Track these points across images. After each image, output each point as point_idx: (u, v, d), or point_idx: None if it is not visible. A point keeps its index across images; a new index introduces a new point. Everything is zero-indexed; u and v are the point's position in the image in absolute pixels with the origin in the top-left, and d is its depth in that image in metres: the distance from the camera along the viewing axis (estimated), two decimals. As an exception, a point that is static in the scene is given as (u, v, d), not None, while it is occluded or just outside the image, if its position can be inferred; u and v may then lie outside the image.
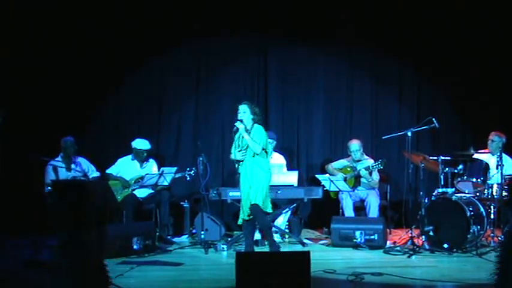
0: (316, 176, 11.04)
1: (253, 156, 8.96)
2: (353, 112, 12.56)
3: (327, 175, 11.02)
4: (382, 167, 10.66)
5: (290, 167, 11.62)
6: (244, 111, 8.97)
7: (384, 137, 10.36)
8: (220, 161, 12.20)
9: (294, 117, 12.50)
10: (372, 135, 12.43)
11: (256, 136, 8.93)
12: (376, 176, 11.09)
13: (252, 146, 8.82)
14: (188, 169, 10.73)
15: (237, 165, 9.09)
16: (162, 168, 10.80)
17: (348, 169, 11.33)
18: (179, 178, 10.89)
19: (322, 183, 10.79)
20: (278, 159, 11.32)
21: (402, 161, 10.87)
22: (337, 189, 10.93)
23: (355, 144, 11.39)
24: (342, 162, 11.55)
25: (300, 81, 12.38)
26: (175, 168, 10.65)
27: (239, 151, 9.00)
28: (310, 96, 12.48)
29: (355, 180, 11.11)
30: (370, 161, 11.15)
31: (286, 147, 12.18)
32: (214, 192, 10.39)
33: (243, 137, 8.99)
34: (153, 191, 11.04)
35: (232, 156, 9.17)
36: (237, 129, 9.00)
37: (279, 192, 10.33)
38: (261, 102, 12.19)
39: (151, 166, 11.44)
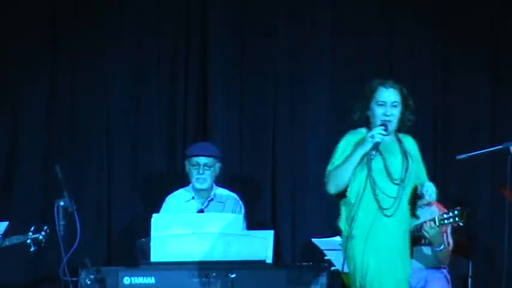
0: (314, 240, 7.99)
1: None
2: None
3: (338, 238, 7.78)
4: (461, 223, 7.66)
5: (251, 220, 8.55)
6: (396, 104, 5.96)
7: (459, 157, 7.90)
8: (105, 205, 8.81)
9: (264, 116, 9.16)
10: (436, 153, 9.19)
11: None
12: (449, 242, 8.19)
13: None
14: (32, 227, 8.16)
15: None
16: (-31, 223, 8.14)
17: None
18: (14, 246, 8.14)
19: (327, 258, 7.86)
20: (226, 203, 8.51)
21: (499, 208, 8.16)
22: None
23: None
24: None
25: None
26: (5, 224, 7.88)
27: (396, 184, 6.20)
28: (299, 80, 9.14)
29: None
30: (434, 210, 8.04)
31: (238, 176, 9.24)
32: (92, 275, 7.99)
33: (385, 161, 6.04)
34: None
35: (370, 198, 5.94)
36: (378, 143, 5.99)
37: (232, 276, 7.47)
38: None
39: None
